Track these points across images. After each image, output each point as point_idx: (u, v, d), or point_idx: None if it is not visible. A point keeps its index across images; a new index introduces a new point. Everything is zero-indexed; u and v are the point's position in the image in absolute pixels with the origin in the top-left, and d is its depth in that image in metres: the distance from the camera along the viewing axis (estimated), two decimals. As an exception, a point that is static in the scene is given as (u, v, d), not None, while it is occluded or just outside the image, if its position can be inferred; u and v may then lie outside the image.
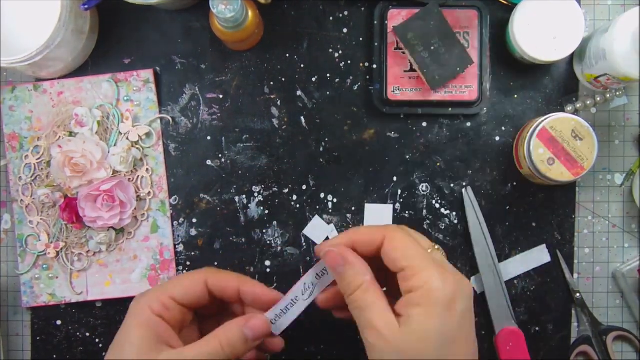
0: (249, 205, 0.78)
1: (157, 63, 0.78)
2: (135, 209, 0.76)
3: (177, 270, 0.77)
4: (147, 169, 0.76)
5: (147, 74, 0.76)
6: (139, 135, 0.76)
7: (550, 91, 0.78)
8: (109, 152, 0.75)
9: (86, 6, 0.71)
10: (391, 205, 0.77)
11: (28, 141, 0.76)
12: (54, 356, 0.78)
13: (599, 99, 0.77)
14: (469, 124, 0.78)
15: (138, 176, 0.76)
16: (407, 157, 0.77)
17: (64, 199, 0.75)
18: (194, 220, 0.78)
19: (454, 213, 0.78)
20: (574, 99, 0.77)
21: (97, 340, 0.78)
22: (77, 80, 0.76)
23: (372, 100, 0.76)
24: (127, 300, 0.77)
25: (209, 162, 0.78)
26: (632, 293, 0.76)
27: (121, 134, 0.76)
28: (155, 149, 0.77)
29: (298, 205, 0.78)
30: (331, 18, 0.77)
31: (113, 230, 0.76)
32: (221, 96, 0.78)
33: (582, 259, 0.78)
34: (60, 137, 0.76)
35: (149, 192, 0.76)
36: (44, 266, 0.76)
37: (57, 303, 0.77)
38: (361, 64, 0.78)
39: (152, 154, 0.77)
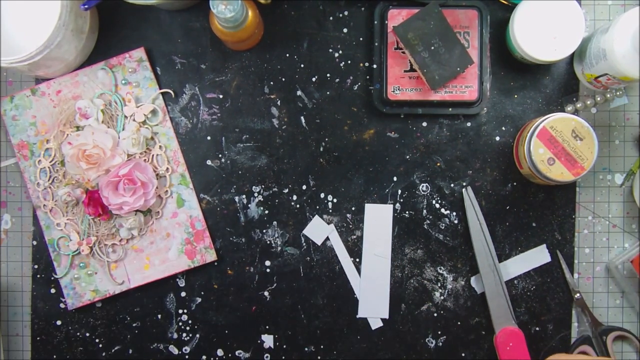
0: (249, 205, 0.78)
1: (157, 63, 0.78)
2: (157, 187, 0.76)
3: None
4: (160, 146, 0.77)
5: (139, 52, 0.76)
6: (144, 115, 0.76)
7: (551, 91, 0.78)
8: (119, 137, 0.76)
9: (86, 6, 0.71)
10: (391, 205, 0.77)
11: (37, 146, 0.76)
12: (54, 356, 0.78)
13: (599, 98, 0.77)
14: (469, 124, 0.78)
15: (153, 155, 0.76)
16: (407, 157, 0.77)
17: (85, 193, 0.75)
18: (194, 220, 0.78)
19: (454, 213, 0.78)
20: (574, 99, 0.77)
21: (97, 340, 0.78)
22: (73, 75, 0.76)
23: (372, 100, 0.76)
24: (127, 300, 0.78)
25: (209, 162, 0.78)
26: (624, 280, 0.76)
27: (127, 117, 0.76)
28: (163, 125, 0.77)
29: (298, 205, 0.78)
30: (331, 18, 0.77)
31: (140, 213, 0.76)
32: (221, 96, 0.78)
33: (582, 259, 0.78)
34: (68, 134, 0.76)
35: (167, 168, 0.77)
36: (81, 265, 0.77)
37: (101, 297, 0.77)
38: (361, 64, 0.78)
39: (162, 130, 0.77)
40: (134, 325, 0.78)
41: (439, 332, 0.78)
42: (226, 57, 0.78)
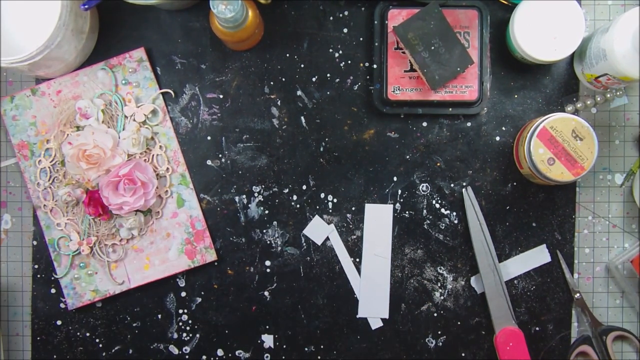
0: (249, 205, 0.78)
1: (157, 63, 0.78)
2: (157, 187, 0.76)
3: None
4: (160, 146, 0.77)
5: (139, 52, 0.76)
6: (144, 115, 0.76)
7: (551, 91, 0.78)
8: (119, 137, 0.76)
9: (86, 6, 0.71)
10: (391, 205, 0.77)
11: (37, 146, 0.76)
12: (54, 356, 0.78)
13: (599, 98, 0.77)
14: (469, 124, 0.78)
15: (153, 155, 0.77)
16: (407, 157, 0.77)
17: (85, 193, 0.75)
18: (194, 220, 0.78)
19: (454, 213, 0.78)
20: (574, 99, 0.77)
21: (97, 340, 0.78)
22: (73, 75, 0.76)
23: (372, 100, 0.76)
24: (127, 300, 0.78)
25: (209, 162, 0.78)
26: (624, 280, 0.76)
27: (127, 117, 0.76)
28: (163, 125, 0.77)
29: (298, 205, 0.78)
30: (331, 18, 0.77)
31: (140, 213, 0.76)
32: (221, 96, 0.78)
33: (582, 259, 0.78)
34: (68, 134, 0.76)
35: (167, 169, 0.77)
36: (81, 265, 0.77)
37: (102, 297, 0.77)
38: (361, 64, 0.78)
39: (162, 130, 0.77)
40: (134, 325, 0.78)
41: (439, 332, 0.78)
42: (226, 57, 0.78)
